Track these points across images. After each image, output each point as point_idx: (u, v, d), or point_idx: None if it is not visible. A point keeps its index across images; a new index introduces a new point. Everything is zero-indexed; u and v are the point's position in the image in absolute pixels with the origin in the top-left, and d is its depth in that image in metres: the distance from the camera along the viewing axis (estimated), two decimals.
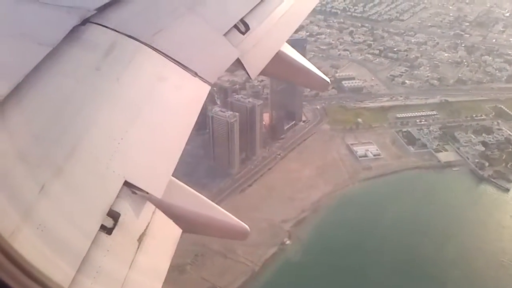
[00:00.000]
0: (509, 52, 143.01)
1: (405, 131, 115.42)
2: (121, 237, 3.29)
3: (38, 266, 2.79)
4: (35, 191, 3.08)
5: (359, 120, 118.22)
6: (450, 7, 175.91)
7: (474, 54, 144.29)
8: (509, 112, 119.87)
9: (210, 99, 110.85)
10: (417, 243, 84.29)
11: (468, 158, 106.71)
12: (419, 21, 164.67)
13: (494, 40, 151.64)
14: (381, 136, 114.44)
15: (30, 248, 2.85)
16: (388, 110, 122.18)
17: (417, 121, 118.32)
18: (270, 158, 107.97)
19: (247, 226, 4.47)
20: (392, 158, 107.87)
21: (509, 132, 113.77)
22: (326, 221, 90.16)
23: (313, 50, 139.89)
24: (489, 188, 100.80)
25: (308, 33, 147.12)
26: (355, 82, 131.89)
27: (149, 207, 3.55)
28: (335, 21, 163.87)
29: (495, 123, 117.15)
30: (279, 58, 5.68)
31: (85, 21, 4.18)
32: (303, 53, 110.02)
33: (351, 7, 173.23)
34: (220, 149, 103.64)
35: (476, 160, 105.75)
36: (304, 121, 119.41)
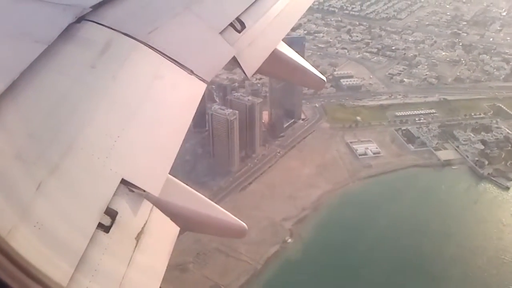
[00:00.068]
0: (507, 51, 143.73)
1: (404, 129, 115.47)
2: (118, 235, 3.29)
3: (36, 265, 2.79)
4: (32, 189, 3.06)
5: (358, 118, 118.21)
6: (447, 6, 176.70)
7: (471, 52, 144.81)
8: (508, 110, 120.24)
9: (209, 97, 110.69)
10: (417, 241, 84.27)
11: (468, 157, 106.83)
12: (417, 20, 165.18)
13: (491, 39, 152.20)
14: (381, 134, 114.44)
15: (28, 247, 2.83)
16: (387, 109, 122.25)
17: (416, 119, 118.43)
18: (270, 156, 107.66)
19: (244, 224, 4.46)
20: (392, 156, 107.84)
21: (508, 131, 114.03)
22: (327, 219, 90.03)
23: (311, 48, 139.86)
24: (489, 187, 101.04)
25: (306, 31, 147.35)
26: (354, 80, 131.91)
27: (147, 205, 3.56)
28: (332, 19, 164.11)
29: (494, 121, 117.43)
30: (275, 57, 5.69)
31: (81, 19, 4.17)
32: (301, 51, 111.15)
33: (349, 5, 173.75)
34: (219, 147, 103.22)
35: (476, 159, 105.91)
36: (303, 119, 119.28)
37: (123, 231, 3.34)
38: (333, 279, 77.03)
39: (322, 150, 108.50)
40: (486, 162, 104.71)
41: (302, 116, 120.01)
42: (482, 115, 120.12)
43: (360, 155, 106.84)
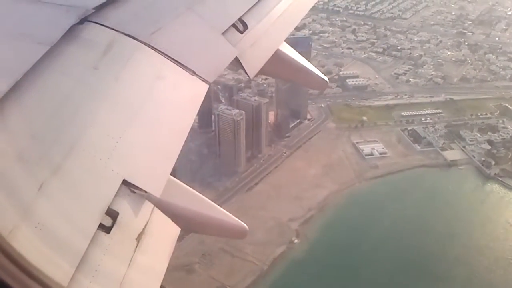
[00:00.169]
0: None
1: (410, 130, 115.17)
2: (119, 236, 3.31)
3: (37, 265, 2.81)
4: (34, 189, 3.08)
5: (364, 118, 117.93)
6: (452, 5, 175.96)
7: (477, 52, 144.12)
8: None
9: (215, 97, 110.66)
10: (423, 242, 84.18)
11: (474, 157, 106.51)
12: (422, 20, 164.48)
13: (497, 39, 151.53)
14: (387, 134, 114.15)
15: (29, 247, 2.85)
16: (393, 109, 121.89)
17: (423, 119, 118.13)
18: (276, 156, 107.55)
19: (245, 225, 4.46)
20: (399, 156, 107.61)
21: None
22: (334, 220, 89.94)
23: (316, 48, 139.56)
24: (495, 187, 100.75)
25: (311, 31, 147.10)
26: (359, 80, 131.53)
27: (148, 206, 3.57)
28: (337, 19, 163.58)
29: (500, 121, 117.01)
30: (278, 57, 5.69)
31: (83, 20, 4.19)
32: (308, 51, 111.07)
33: (353, 5, 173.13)
34: (226, 147, 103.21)
35: (482, 159, 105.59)
36: (309, 120, 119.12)
37: (124, 231, 3.35)
38: (340, 279, 76.98)
39: (328, 150, 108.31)
40: (493, 162, 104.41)
41: (308, 117, 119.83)
42: (488, 115, 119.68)
43: (366, 155, 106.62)
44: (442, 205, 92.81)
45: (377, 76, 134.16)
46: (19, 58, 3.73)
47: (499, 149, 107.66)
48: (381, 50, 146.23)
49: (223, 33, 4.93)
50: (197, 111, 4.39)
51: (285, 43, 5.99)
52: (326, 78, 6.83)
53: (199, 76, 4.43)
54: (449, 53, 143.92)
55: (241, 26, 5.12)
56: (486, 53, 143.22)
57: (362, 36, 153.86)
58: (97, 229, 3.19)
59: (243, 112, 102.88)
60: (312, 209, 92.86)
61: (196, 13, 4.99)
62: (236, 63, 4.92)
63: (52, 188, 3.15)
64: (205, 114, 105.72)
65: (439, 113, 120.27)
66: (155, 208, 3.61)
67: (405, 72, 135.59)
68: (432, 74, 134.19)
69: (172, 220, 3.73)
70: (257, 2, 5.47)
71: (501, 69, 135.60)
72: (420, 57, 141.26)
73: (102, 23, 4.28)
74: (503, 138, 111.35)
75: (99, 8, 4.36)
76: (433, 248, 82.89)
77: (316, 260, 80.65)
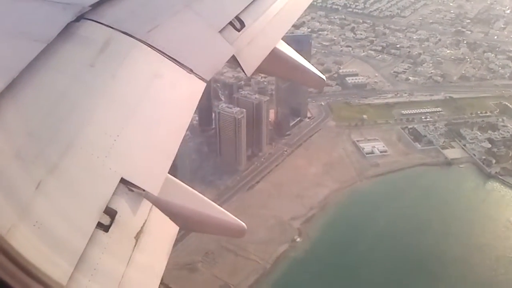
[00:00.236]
0: (511, 49, 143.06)
1: (411, 128, 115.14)
2: (118, 235, 3.31)
3: (35, 264, 2.83)
4: (31, 188, 3.07)
5: (364, 116, 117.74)
6: (451, 3, 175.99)
7: (476, 51, 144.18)
8: None
9: (215, 95, 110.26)
10: (425, 240, 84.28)
11: (475, 155, 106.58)
12: (420, 18, 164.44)
13: (495, 37, 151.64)
14: (387, 132, 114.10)
15: (27, 246, 2.85)
16: (393, 107, 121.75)
17: (423, 117, 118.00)
18: (276, 154, 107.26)
19: (243, 224, 4.49)
20: (399, 155, 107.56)
21: None
22: (336, 218, 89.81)
23: (315, 46, 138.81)
24: (496, 185, 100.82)
25: (309, 29, 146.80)
26: (359, 79, 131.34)
27: (146, 204, 3.57)
28: (336, 17, 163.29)
29: (500, 120, 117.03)
30: (275, 55, 5.72)
31: (80, 18, 4.18)
32: (308, 49, 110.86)
33: (352, 3, 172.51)
34: (227, 145, 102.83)
35: (483, 157, 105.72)
36: (309, 118, 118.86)
37: (122, 230, 3.36)
38: (343, 278, 76.91)
39: (329, 148, 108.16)
40: (494, 161, 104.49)
41: (308, 115, 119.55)
42: (488, 114, 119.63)
43: (367, 153, 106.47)
44: (443, 203, 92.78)
45: (376, 74, 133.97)
46: (16, 56, 3.72)
47: (500, 147, 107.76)
48: (380, 48, 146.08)
49: (220, 31, 4.94)
50: (195, 109, 4.38)
51: (282, 41, 6.00)
52: (323, 76, 6.85)
53: (196, 74, 4.42)
54: (448, 51, 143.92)
55: (238, 24, 5.13)
56: (485, 52, 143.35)
57: (361, 34, 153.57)
58: (96, 227, 3.19)
59: (244, 110, 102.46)
60: (313, 207, 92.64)
61: (193, 11, 5.00)
62: (234, 61, 4.92)
63: (50, 187, 3.15)
64: (205, 112, 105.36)
65: (439, 111, 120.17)
66: (153, 206, 3.62)
67: (405, 70, 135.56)
68: (431, 73, 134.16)
69: (170, 218, 3.74)
70: (254, 0, 5.46)
71: (500, 68, 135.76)
72: (419, 55, 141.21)
73: (98, 21, 4.28)
74: (503, 136, 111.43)
75: (96, 6, 4.36)
76: (434, 247, 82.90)
77: (319, 259, 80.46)
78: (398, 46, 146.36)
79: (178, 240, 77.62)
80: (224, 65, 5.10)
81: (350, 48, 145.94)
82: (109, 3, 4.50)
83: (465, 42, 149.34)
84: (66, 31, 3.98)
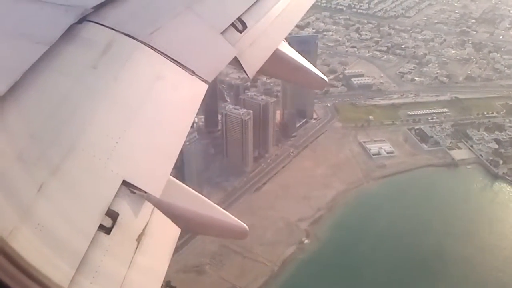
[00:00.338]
0: None
1: (417, 129, 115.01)
2: (119, 237, 3.31)
3: (37, 266, 2.85)
4: (33, 190, 3.08)
5: (371, 117, 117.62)
6: (455, 3, 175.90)
7: (482, 51, 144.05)
8: None
9: (220, 97, 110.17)
10: (434, 240, 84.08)
11: (482, 156, 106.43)
12: (425, 18, 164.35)
13: (501, 37, 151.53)
14: (394, 133, 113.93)
15: (29, 248, 2.87)
16: (399, 108, 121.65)
17: (429, 118, 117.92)
18: (283, 156, 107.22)
19: (245, 225, 4.45)
20: (406, 155, 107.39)
21: None
22: (344, 220, 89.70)
23: (321, 47, 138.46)
24: (504, 186, 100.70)
25: (314, 30, 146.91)
26: (365, 79, 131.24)
27: (148, 206, 3.57)
28: (341, 17, 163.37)
29: (507, 120, 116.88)
30: (277, 57, 5.70)
31: (82, 20, 4.18)
32: (314, 49, 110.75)
33: (356, 3, 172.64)
34: (233, 147, 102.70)
35: (490, 158, 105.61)
36: (315, 119, 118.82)
37: (124, 232, 3.35)
38: (352, 280, 76.71)
39: (335, 150, 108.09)
40: (501, 162, 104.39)
41: (314, 116, 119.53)
42: (494, 114, 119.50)
43: (373, 154, 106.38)
44: (451, 205, 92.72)
45: (382, 75, 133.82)
46: (18, 58, 3.73)
47: (507, 148, 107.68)
48: (385, 48, 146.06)
49: (222, 33, 4.92)
50: (197, 111, 4.39)
51: (284, 43, 5.99)
52: (325, 77, 6.78)
53: (198, 75, 4.41)
54: (453, 51, 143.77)
55: (240, 25, 5.11)
56: (491, 52, 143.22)
57: (366, 34, 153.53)
58: (97, 230, 3.19)
59: (251, 111, 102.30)
60: (321, 209, 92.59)
61: (195, 13, 4.98)
62: (235, 63, 4.90)
63: (52, 189, 3.16)
64: (211, 113, 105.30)
65: (446, 112, 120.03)
66: (155, 208, 3.61)
67: (410, 71, 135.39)
68: (437, 73, 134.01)
69: (172, 220, 3.73)
70: (256, 2, 5.44)
71: (506, 68, 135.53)
72: (424, 55, 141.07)
73: (101, 23, 4.27)
74: (510, 137, 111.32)
75: (98, 8, 4.35)
76: (441, 248, 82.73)
77: (327, 260, 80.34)
78: (403, 46, 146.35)
79: (185, 243, 77.79)
80: (229, 66, 5.08)
81: (355, 49, 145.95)
82: (111, 5, 4.50)
83: (470, 42, 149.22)
84: (69, 33, 4.00)
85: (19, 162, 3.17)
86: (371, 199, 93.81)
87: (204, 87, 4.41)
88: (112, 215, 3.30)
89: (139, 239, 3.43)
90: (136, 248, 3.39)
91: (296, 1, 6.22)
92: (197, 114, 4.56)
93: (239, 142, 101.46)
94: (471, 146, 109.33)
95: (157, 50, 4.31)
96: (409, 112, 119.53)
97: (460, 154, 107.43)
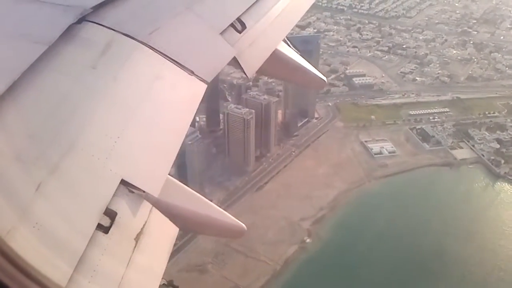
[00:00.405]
0: None
1: (419, 128, 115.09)
2: (118, 236, 3.32)
3: (35, 265, 2.84)
4: (32, 190, 3.08)
5: (372, 117, 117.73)
6: (456, 4, 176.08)
7: (483, 51, 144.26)
8: None
9: (222, 96, 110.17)
10: (436, 240, 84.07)
11: (484, 156, 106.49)
12: (426, 18, 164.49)
13: (502, 37, 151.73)
14: (395, 133, 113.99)
15: (27, 247, 2.87)
16: (401, 107, 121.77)
17: (431, 118, 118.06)
18: (284, 155, 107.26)
19: (243, 224, 4.47)
20: (408, 155, 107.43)
21: None
22: (346, 219, 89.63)
23: (322, 47, 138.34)
24: (506, 186, 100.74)
25: (315, 30, 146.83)
26: (366, 79, 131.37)
27: (146, 205, 3.59)
28: (342, 18, 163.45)
29: (508, 120, 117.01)
30: (276, 57, 5.73)
31: (81, 20, 4.18)
32: (317, 49, 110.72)
33: (357, 4, 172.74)
34: (235, 146, 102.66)
35: (492, 158, 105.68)
36: (316, 118, 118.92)
37: (122, 231, 3.36)
38: (355, 279, 76.63)
39: (337, 149, 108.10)
40: (502, 161, 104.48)
41: (316, 115, 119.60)
42: (496, 114, 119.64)
43: (375, 154, 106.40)
44: (453, 204, 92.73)
45: (383, 75, 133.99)
46: (17, 58, 3.72)
47: (508, 147, 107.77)
48: (386, 48, 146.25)
49: (221, 33, 4.94)
50: (196, 110, 4.37)
51: (283, 43, 6.00)
52: (324, 77, 6.82)
53: (197, 75, 4.42)
54: (454, 51, 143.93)
55: (239, 25, 5.13)
56: (492, 52, 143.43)
57: (367, 34, 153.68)
58: (95, 229, 3.19)
59: (253, 111, 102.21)
60: (323, 208, 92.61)
61: (195, 13, 4.99)
62: (235, 63, 4.91)
63: (50, 188, 3.15)
64: (213, 113, 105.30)
65: (447, 112, 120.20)
66: (154, 208, 3.63)
67: (411, 70, 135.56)
68: (438, 73, 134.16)
69: (170, 220, 3.75)
70: (255, 2, 5.46)
71: (507, 68, 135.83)
72: (425, 55, 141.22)
73: (100, 23, 4.27)
74: (511, 137, 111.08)
75: (97, 8, 4.35)
76: (445, 247, 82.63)
77: (329, 260, 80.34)
78: (404, 46, 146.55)
79: (187, 242, 77.63)
80: (231, 66, 5.07)
81: (357, 49, 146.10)
82: (111, 5, 4.50)
83: (471, 42, 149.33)
84: (68, 33, 4.00)
85: (18, 162, 3.17)
86: (373, 199, 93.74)
87: (203, 87, 4.42)
88: (111, 214, 3.31)
89: (137, 238, 3.44)
90: (134, 247, 3.41)
91: (295, 2, 6.25)
92: (199, 113, 4.55)
93: (241, 141, 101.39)
94: (473, 145, 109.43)
95: (156, 50, 4.33)
96: (410, 112, 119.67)
97: (461, 153, 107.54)
